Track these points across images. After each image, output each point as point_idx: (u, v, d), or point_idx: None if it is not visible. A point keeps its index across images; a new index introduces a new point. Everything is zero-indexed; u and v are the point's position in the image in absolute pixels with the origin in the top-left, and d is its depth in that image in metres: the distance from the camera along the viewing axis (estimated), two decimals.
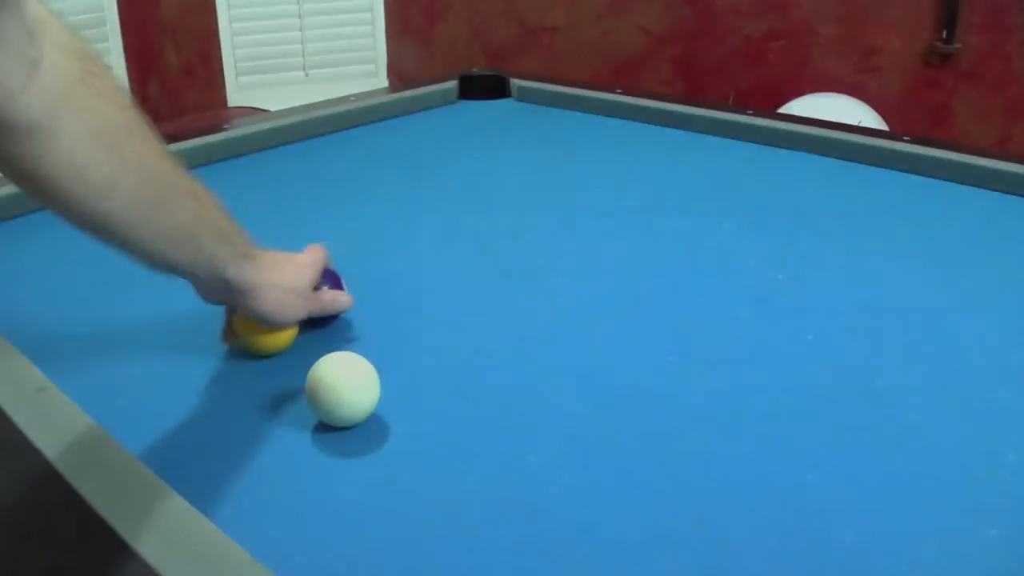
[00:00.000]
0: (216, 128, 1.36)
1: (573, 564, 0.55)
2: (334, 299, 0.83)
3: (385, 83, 3.12)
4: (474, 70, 1.73)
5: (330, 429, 0.68)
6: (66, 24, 0.57)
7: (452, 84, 1.67)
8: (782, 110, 2.49)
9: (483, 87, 1.68)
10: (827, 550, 0.56)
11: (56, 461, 0.55)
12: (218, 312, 0.79)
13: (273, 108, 1.68)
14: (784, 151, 1.38)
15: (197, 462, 0.64)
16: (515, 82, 1.68)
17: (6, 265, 0.98)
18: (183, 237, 0.68)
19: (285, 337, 0.79)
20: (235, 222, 0.73)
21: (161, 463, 0.57)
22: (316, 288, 0.81)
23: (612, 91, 1.61)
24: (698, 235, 1.08)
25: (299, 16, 3.02)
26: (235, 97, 3.08)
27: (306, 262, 0.81)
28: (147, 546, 0.48)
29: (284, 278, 0.77)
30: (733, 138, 1.44)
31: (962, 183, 1.23)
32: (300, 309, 0.79)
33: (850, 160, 1.33)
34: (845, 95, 2.60)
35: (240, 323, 0.78)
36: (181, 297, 0.91)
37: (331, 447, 0.67)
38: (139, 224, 0.64)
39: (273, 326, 0.78)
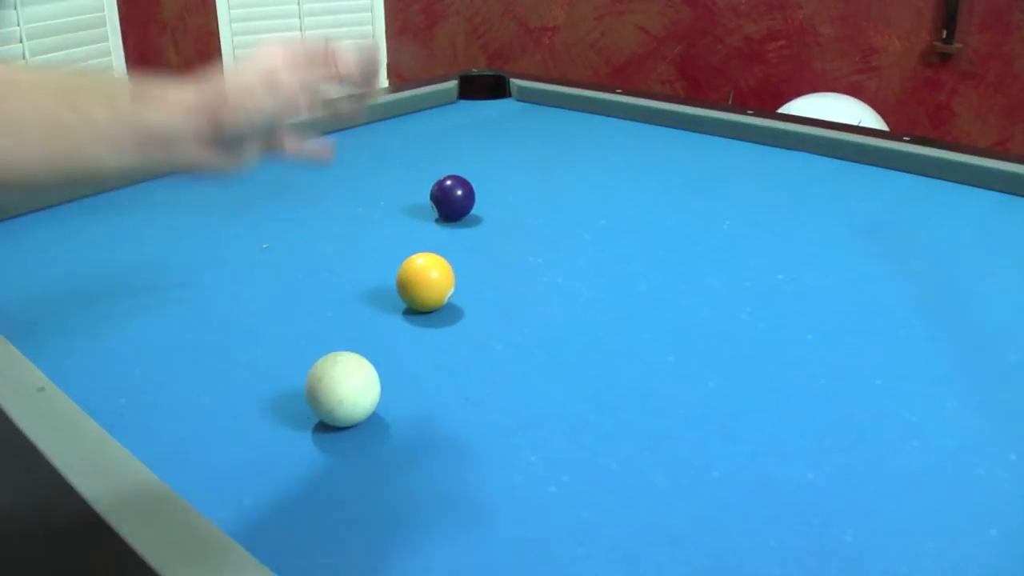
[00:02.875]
0: None
1: (573, 564, 0.55)
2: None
3: (385, 83, 3.12)
4: (474, 70, 1.73)
5: (330, 429, 0.68)
6: None
7: (452, 84, 1.67)
8: (782, 110, 2.48)
9: (483, 87, 1.68)
10: (827, 550, 0.56)
11: (56, 461, 0.55)
12: (216, 316, 0.79)
13: None
14: (784, 151, 1.38)
15: (197, 462, 0.64)
16: (515, 82, 1.68)
17: (6, 265, 0.97)
18: (48, 122, 0.47)
19: (440, 296, 0.86)
20: (126, 78, 0.52)
21: (161, 463, 0.57)
22: None
23: (612, 91, 1.61)
24: (698, 235, 1.08)
25: (299, 16, 3.02)
26: None
27: (266, 51, 0.55)
28: (147, 546, 0.48)
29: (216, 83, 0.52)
30: (733, 138, 1.44)
31: (962, 183, 1.23)
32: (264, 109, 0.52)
33: (850, 160, 1.33)
34: (845, 95, 2.60)
35: (406, 288, 0.85)
36: (181, 298, 0.91)
37: (331, 447, 0.67)
38: None
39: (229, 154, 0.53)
